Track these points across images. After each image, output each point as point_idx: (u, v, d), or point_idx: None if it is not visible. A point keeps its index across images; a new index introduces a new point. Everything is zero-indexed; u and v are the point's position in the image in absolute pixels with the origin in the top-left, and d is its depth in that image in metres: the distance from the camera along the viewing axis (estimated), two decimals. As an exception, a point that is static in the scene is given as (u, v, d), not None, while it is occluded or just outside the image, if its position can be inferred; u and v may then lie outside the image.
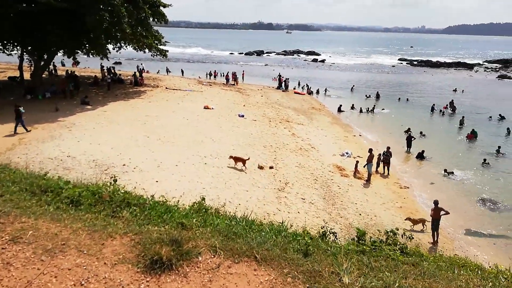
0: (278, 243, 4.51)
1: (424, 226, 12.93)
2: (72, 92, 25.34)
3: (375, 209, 13.89)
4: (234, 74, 44.18)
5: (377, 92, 39.86)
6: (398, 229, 5.73)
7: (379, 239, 5.37)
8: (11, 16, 23.39)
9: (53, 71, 37.72)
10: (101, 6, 24.87)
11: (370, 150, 17.15)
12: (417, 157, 20.90)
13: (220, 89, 35.97)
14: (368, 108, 32.49)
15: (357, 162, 17.35)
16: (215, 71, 50.04)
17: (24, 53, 30.07)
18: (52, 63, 34.64)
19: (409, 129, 25.04)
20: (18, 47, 29.50)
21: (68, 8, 23.75)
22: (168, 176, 13.73)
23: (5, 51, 29.57)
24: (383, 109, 33.37)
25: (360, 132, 25.33)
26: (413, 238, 6.25)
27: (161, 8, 32.77)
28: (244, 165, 15.45)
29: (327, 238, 5.54)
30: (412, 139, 22.65)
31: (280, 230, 5.17)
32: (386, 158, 17.96)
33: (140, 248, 3.95)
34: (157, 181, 13.13)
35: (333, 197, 14.32)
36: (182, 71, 50.73)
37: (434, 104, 33.79)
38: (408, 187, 16.73)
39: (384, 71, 70.04)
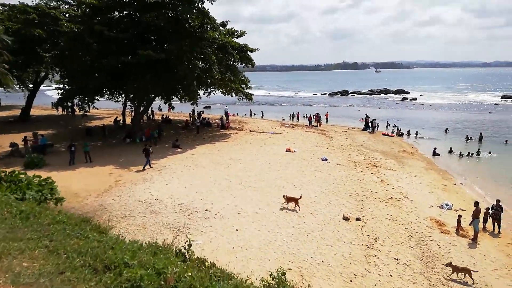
0: None
1: (469, 277, 11.06)
2: (156, 139, 27.27)
3: (485, 276, 11.56)
4: (317, 115, 43.68)
5: (480, 133, 35.49)
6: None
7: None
8: (116, 68, 26.56)
9: (151, 116, 41.57)
10: (194, 55, 26.96)
11: (476, 204, 14.74)
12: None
13: (302, 131, 35.64)
14: (469, 152, 28.90)
15: (460, 216, 15.01)
16: (297, 112, 50.23)
17: (127, 100, 33.79)
18: (150, 108, 38.26)
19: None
20: (123, 95, 33.30)
21: (164, 58, 26.13)
22: (248, 224, 13.36)
23: (112, 98, 33.65)
24: (490, 152, 29.35)
25: (462, 180, 22.32)
26: None
27: (248, 52, 34.30)
28: (297, 205, 15.00)
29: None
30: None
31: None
32: (496, 213, 15.23)
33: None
34: (237, 230, 12.85)
35: (432, 258, 12.34)
36: (262, 113, 52.04)
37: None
38: (526, 251, 13.79)
39: (485, 110, 62.90)
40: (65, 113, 44.80)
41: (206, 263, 6.03)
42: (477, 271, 11.41)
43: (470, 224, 14.51)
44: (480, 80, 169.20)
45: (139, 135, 28.02)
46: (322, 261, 11.18)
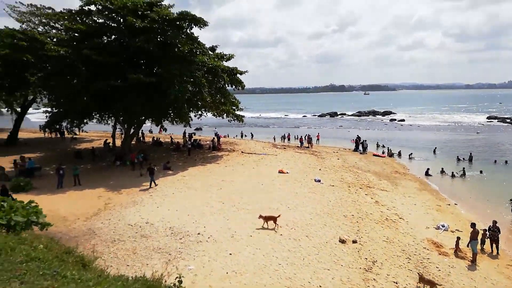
0: None
1: None
2: (141, 163, 26.52)
3: (487, 300, 11.30)
4: (308, 137, 43.75)
5: (470, 153, 35.86)
6: None
7: None
8: (105, 91, 26.32)
9: (141, 138, 41.12)
10: (184, 78, 26.96)
11: (473, 225, 14.57)
12: (531, 233, 17.39)
13: (294, 152, 35.52)
14: (462, 171, 29.03)
15: (458, 238, 14.80)
16: (288, 134, 50.33)
17: (117, 123, 33.43)
18: (141, 131, 37.88)
19: (514, 197, 21.47)
20: (112, 118, 32.95)
21: (154, 82, 26.03)
22: (242, 248, 12.93)
23: (101, 121, 33.27)
24: (481, 171, 29.55)
25: (456, 201, 22.25)
26: None
27: (238, 75, 34.48)
28: (275, 223, 14.88)
29: None
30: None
31: None
32: (493, 234, 15.08)
33: None
34: (230, 254, 12.43)
35: (442, 285, 12.06)
36: (252, 135, 52.15)
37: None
38: (526, 272, 13.57)
39: (473, 130, 64.05)
40: (53, 136, 44.10)
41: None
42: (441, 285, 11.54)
43: (467, 246, 14.29)
44: (464, 101, 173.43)
45: (129, 158, 27.50)
46: (320, 286, 10.78)
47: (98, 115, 31.84)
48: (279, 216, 15.29)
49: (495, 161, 34.18)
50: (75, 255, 7.47)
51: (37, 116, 70.51)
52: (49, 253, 6.93)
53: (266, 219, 15.07)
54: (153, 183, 21.59)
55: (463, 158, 35.35)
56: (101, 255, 11.70)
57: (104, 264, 10.06)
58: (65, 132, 37.85)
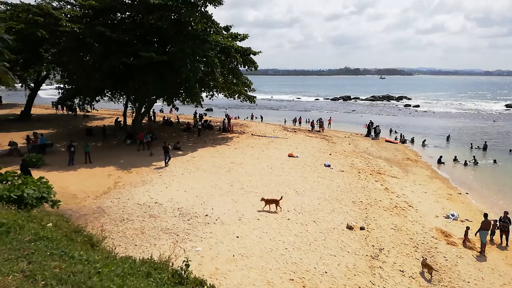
0: None
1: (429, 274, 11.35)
2: (149, 143, 26.12)
3: (494, 291, 11.17)
4: (320, 121, 43.31)
5: (485, 142, 35.07)
6: None
7: None
8: (118, 68, 26.24)
9: (152, 117, 41.27)
10: (197, 58, 26.66)
11: (486, 216, 14.32)
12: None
13: (305, 136, 35.27)
14: (473, 160, 28.47)
15: (468, 228, 14.59)
16: (300, 117, 49.88)
17: (128, 101, 33.51)
18: (152, 110, 37.97)
19: (529, 188, 21.07)
20: (124, 96, 33.01)
21: (167, 60, 25.82)
22: (249, 231, 12.98)
23: (113, 100, 33.39)
24: (495, 161, 28.94)
25: (467, 190, 21.89)
26: None
27: (251, 56, 34.01)
28: (278, 206, 14.96)
29: None
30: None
31: None
32: (504, 225, 14.80)
33: None
34: (237, 236, 12.49)
35: (439, 271, 11.97)
36: (262, 117, 51.65)
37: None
38: (536, 264, 13.36)
39: (489, 118, 62.48)
40: (66, 112, 44.62)
41: (205, 286, 5.60)
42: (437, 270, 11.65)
43: (475, 234, 14.09)
44: (482, 88, 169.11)
45: (137, 137, 27.58)
46: (326, 272, 10.78)
47: (110, 93, 31.93)
48: (281, 198, 15.36)
49: (511, 151, 33.38)
50: (83, 235, 7.55)
51: (49, 92, 71.21)
52: (58, 232, 6.99)
53: (268, 202, 15.14)
54: (168, 160, 22.04)
55: (478, 147, 34.61)
56: (110, 234, 11.88)
57: (112, 244, 10.20)
58: (77, 109, 38.16)
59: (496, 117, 63.76)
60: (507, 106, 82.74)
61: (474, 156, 29.28)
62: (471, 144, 35.13)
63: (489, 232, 14.47)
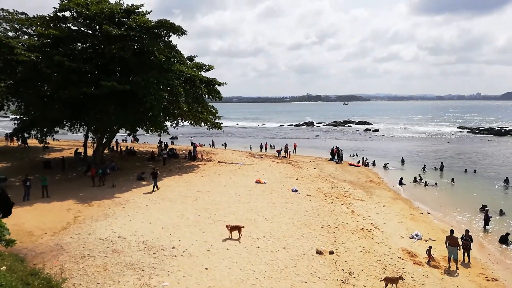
0: None
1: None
2: (101, 178, 24.78)
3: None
4: (285, 146, 43.88)
5: (441, 163, 37.02)
6: None
7: None
8: (78, 98, 25.46)
9: (114, 147, 40.02)
10: (161, 86, 26.48)
11: (452, 231, 15.02)
12: (500, 241, 17.95)
13: (271, 162, 35.50)
14: (433, 181, 29.85)
15: (430, 247, 15.08)
16: (266, 143, 50.36)
17: (89, 132, 32.43)
18: (115, 140, 36.89)
19: (484, 206, 22.26)
20: (84, 126, 31.93)
21: (129, 89, 25.41)
22: (219, 262, 12.61)
23: (72, 130, 32.21)
24: (452, 180, 30.49)
25: (428, 210, 22.76)
26: None
27: (216, 86, 34.34)
28: (240, 233, 14.88)
29: None
30: (490, 217, 20.07)
31: None
32: (466, 243, 15.44)
33: None
34: (206, 268, 12.07)
35: (404, 279, 12.26)
36: (225, 144, 51.26)
37: (508, 177, 30.28)
38: (496, 279, 13.91)
39: (444, 140, 66.32)
40: (17, 144, 42.16)
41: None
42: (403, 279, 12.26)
43: (450, 256, 14.54)
44: (436, 112, 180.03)
45: (102, 168, 26.55)
46: (298, 300, 10.62)
47: (69, 123, 30.78)
48: (243, 226, 15.29)
49: (465, 170, 35.36)
50: (41, 277, 7.01)
51: (3, 124, 67.64)
52: (12, 277, 6.44)
53: (232, 229, 14.98)
54: (155, 186, 22.73)
55: (434, 167, 36.41)
56: (70, 273, 11.11)
57: (73, 285, 9.53)
58: (27, 141, 36.30)
59: (450, 139, 67.68)
60: (459, 127, 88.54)
61: (419, 174, 31.61)
62: (424, 165, 36.84)
63: (458, 248, 14.97)
